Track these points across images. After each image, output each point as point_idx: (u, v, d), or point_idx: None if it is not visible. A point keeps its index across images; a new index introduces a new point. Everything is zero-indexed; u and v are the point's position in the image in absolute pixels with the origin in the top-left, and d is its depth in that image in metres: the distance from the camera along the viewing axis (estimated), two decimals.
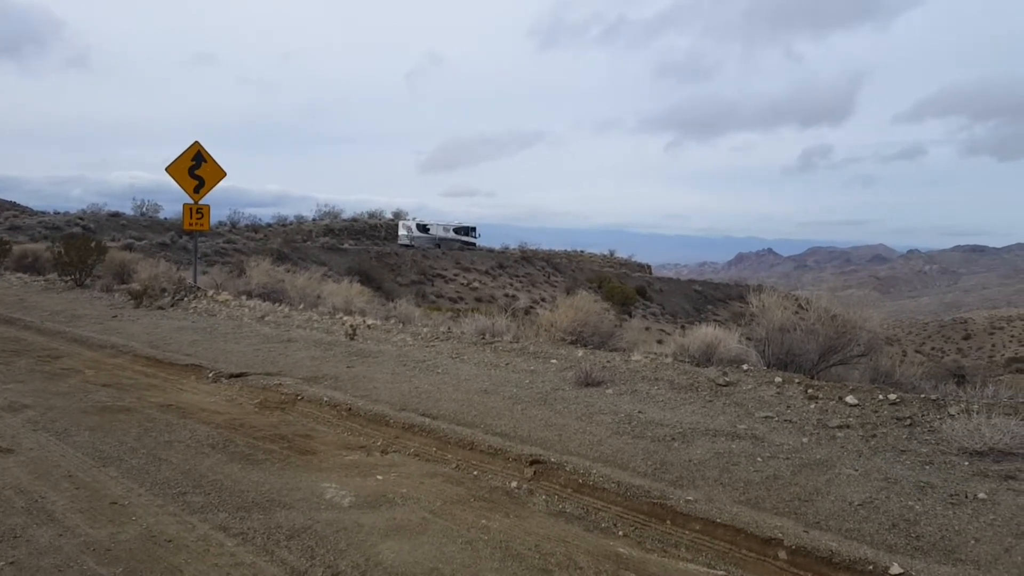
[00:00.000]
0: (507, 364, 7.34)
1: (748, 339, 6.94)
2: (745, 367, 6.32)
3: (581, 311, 8.13)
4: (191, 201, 11.82)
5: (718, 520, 3.70)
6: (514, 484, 4.50)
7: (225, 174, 11.97)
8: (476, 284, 55.28)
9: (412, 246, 56.36)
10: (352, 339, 8.60)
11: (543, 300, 54.84)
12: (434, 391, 6.44)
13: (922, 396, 5.30)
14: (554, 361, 7.34)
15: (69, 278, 13.72)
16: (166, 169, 11.57)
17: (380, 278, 43.76)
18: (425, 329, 8.99)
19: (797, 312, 6.79)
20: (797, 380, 5.83)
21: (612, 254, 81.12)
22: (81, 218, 39.27)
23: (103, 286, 13.05)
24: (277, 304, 10.97)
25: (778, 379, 5.88)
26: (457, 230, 61.29)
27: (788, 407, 5.46)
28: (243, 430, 5.58)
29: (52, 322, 10.24)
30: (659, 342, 11.33)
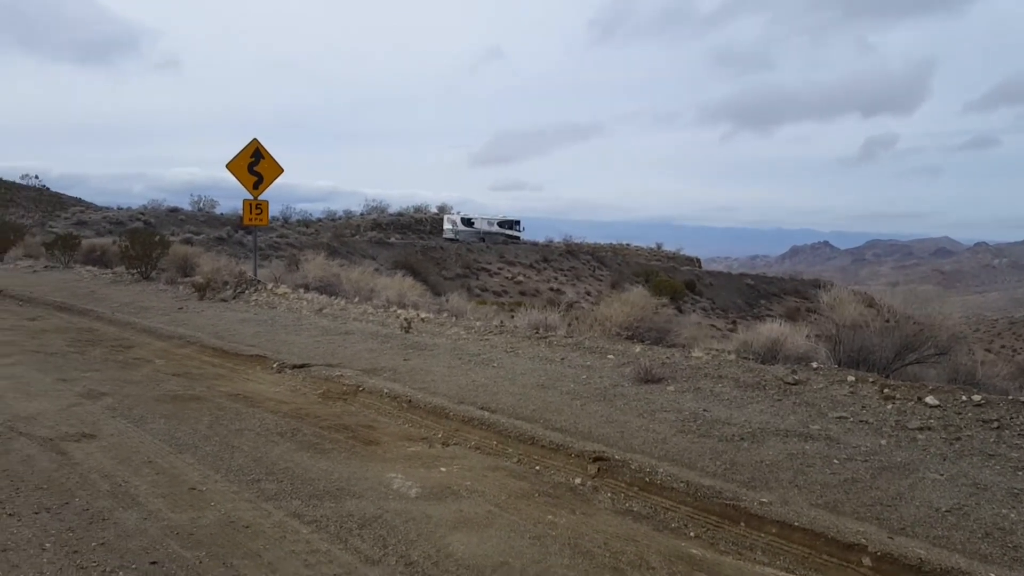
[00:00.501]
0: (562, 359, 7.33)
1: (816, 336, 6.76)
2: (814, 365, 6.17)
3: (637, 306, 8.05)
4: (250, 197, 12.10)
5: (795, 523, 3.62)
6: (578, 481, 4.48)
7: (282, 170, 12.21)
8: (520, 278, 55.32)
9: (457, 240, 56.68)
10: (407, 332, 8.69)
11: (588, 294, 54.56)
12: (491, 385, 6.47)
13: (1009, 398, 5.09)
14: (611, 357, 7.29)
15: (135, 271, 14.21)
16: (226, 166, 11.87)
17: (425, 272, 44.13)
18: (478, 323, 9.02)
19: (869, 308, 6.59)
20: (871, 379, 5.66)
21: (659, 247, 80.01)
22: (142, 213, 40.62)
23: (167, 279, 13.48)
24: (333, 297, 11.16)
25: (851, 378, 5.72)
26: (501, 224, 61.37)
27: (863, 407, 5.31)
28: (309, 420, 5.69)
29: (122, 313, 10.61)
30: (711, 337, 11.15)
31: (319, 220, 54.57)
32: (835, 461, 4.43)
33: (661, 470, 4.38)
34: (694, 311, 56.96)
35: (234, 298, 11.40)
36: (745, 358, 6.61)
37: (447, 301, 10.42)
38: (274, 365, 7.48)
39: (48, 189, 41.48)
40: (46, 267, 17.99)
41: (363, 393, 6.42)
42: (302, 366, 7.37)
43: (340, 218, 58.22)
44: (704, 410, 5.45)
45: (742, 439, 4.89)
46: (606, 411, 5.66)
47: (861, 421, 5.12)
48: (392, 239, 52.97)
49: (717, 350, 6.95)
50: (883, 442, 4.73)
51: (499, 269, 54.59)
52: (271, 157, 12.05)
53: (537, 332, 8.19)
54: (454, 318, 9.34)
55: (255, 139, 11.96)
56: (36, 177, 38.83)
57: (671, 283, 58.03)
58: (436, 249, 53.30)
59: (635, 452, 4.69)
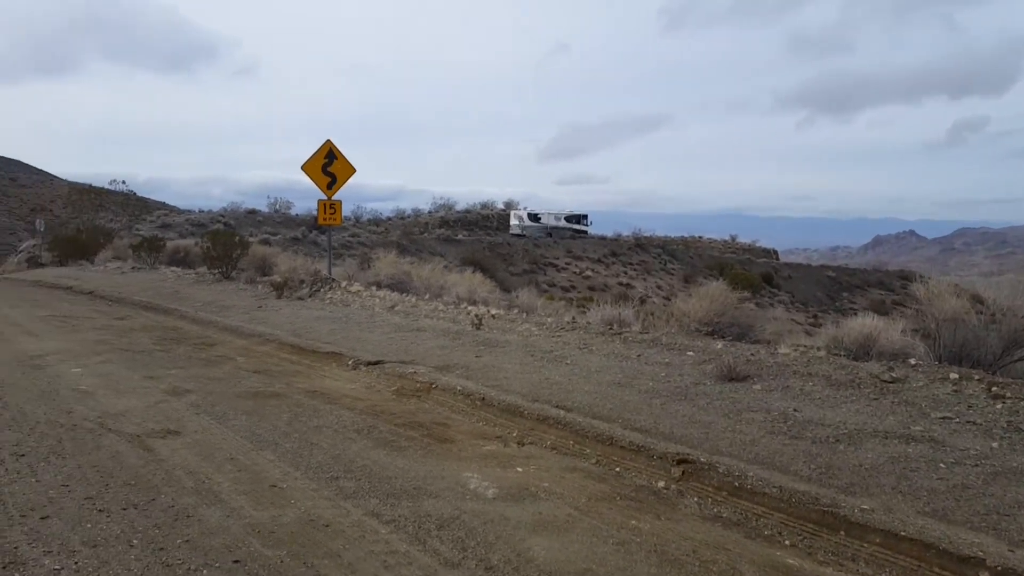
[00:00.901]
0: (639, 356, 7.11)
1: (912, 331, 6.33)
2: (912, 362, 5.76)
3: (717, 300, 7.75)
4: (324, 197, 12.33)
5: (902, 533, 3.34)
6: (661, 484, 4.29)
7: (355, 170, 12.39)
8: (588, 272, 54.90)
9: (523, 235, 56.65)
10: (478, 329, 8.64)
11: (659, 288, 53.71)
12: (565, 382, 6.33)
13: None
14: (691, 353, 7.03)
15: (217, 271, 14.72)
16: (302, 167, 12.13)
17: (493, 268, 44.29)
18: (549, 319, 8.90)
19: (968, 301, 6.12)
20: (977, 377, 5.24)
21: (734, 239, 77.86)
22: (222, 215, 42.24)
23: (247, 278, 13.90)
24: (404, 294, 11.25)
25: (954, 375, 5.31)
26: (568, 218, 61.00)
27: (969, 407, 4.92)
28: (384, 417, 5.69)
29: (204, 312, 10.99)
30: (796, 332, 10.67)
31: (389, 219, 55.56)
32: (942, 465, 4.10)
33: (751, 474, 4.15)
34: (772, 305, 55.26)
35: (310, 296, 11.63)
36: (836, 354, 6.24)
37: (517, 297, 10.34)
38: (349, 362, 7.55)
39: (135, 194, 43.71)
40: (133, 268, 18.88)
41: (436, 390, 6.39)
42: (376, 363, 7.41)
43: (409, 216, 59.14)
44: (794, 410, 5.16)
45: (838, 441, 4.59)
46: (688, 411, 5.43)
47: (968, 422, 4.73)
48: (459, 236, 53.40)
49: (805, 346, 6.60)
50: (994, 445, 4.36)
51: (566, 264, 54.30)
52: (344, 158, 12.24)
53: (611, 328, 7.99)
54: (525, 314, 9.24)
55: (328, 140, 12.18)
56: (123, 182, 41.01)
57: (747, 276, 56.44)
58: (503, 245, 53.45)
59: (722, 455, 4.47)
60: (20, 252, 32.73)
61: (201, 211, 45.12)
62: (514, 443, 5.14)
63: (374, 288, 11.69)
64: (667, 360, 6.91)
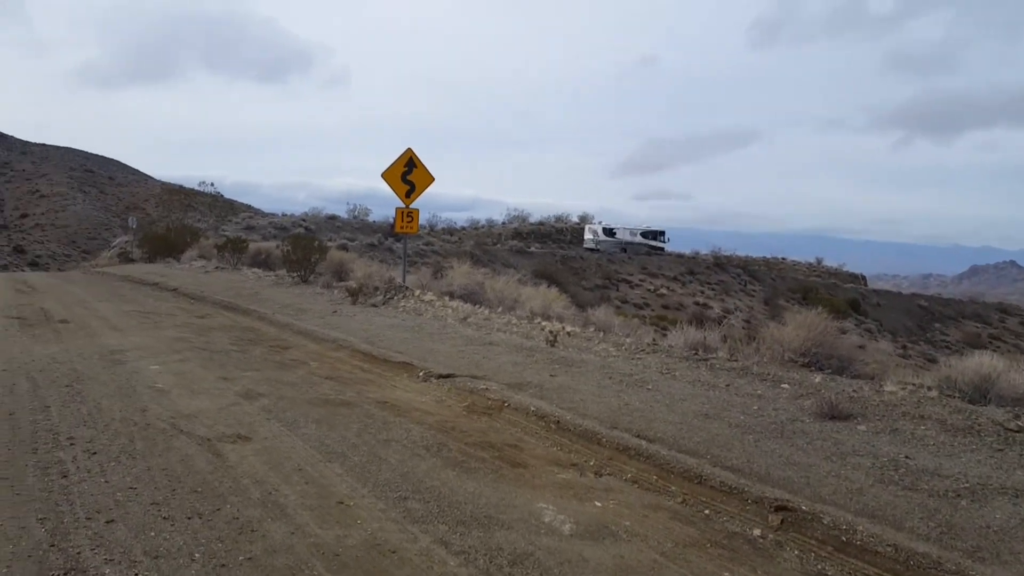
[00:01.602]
0: (727, 385, 6.66)
1: None
2: None
3: (814, 328, 7.21)
4: (403, 205, 12.32)
5: None
6: (757, 532, 3.88)
7: (433, 179, 12.35)
8: (663, 291, 53.87)
9: (598, 250, 56.04)
10: (553, 346, 8.35)
11: (737, 310, 52.15)
12: (646, 409, 5.96)
13: None
14: (786, 386, 6.53)
15: (295, 274, 14.97)
16: (381, 175, 12.17)
17: (565, 282, 43.94)
18: (628, 340, 8.51)
19: None
20: None
21: (819, 262, 74.97)
22: (304, 220, 43.47)
23: (324, 283, 14.07)
24: (477, 306, 11.07)
25: None
26: (644, 234, 60.03)
27: None
28: (454, 434, 5.47)
29: (281, 314, 11.11)
30: (897, 366, 9.89)
31: (463, 228, 56.03)
32: None
33: (860, 528, 3.70)
34: (859, 333, 52.94)
35: (384, 303, 11.61)
36: (949, 396, 5.65)
37: (593, 314, 10.00)
38: (420, 373, 7.39)
39: (222, 196, 45.51)
40: (216, 268, 19.49)
41: (508, 409, 6.13)
42: (447, 376, 7.22)
43: (483, 227, 59.50)
44: (906, 456, 4.64)
45: (958, 496, 4.07)
46: (785, 450, 4.98)
47: None
48: (532, 248, 53.29)
49: (914, 384, 6.01)
50: None
51: (640, 281, 53.40)
52: (423, 167, 12.21)
53: (696, 353, 7.55)
54: (601, 333, 8.89)
55: (409, 149, 12.18)
56: (212, 184, 42.76)
57: (832, 301, 54.18)
58: (576, 259, 53.02)
59: (825, 503, 4.02)
60: (113, 247, 34.55)
61: (284, 215, 46.60)
62: (591, 473, 4.82)
63: (447, 298, 11.57)
64: (759, 392, 6.43)
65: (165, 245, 23.60)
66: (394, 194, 12.15)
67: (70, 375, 6.73)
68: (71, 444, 4.75)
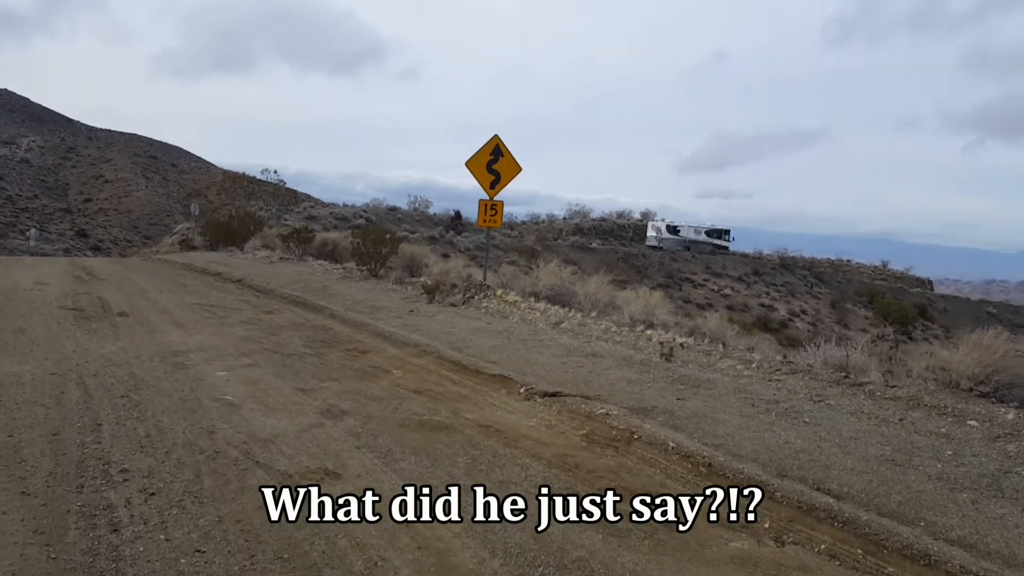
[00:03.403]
0: (900, 420, 5.46)
1: None
2: None
3: (991, 350, 5.94)
4: (486, 196, 11.36)
5: None
6: None
7: (520, 169, 11.35)
8: (728, 291, 52.00)
9: (660, 248, 54.42)
10: (669, 360, 7.25)
11: (803, 312, 50.02)
12: (813, 451, 4.82)
13: None
14: (973, 423, 5.31)
15: (365, 268, 14.20)
16: (466, 164, 11.21)
17: (626, 279, 42.61)
18: (756, 355, 7.35)
19: None
20: None
21: (885, 265, 71.82)
22: (364, 210, 43.15)
23: (396, 278, 13.24)
24: (567, 309, 10.03)
25: None
26: (709, 233, 58.08)
27: None
28: (580, 475, 4.45)
29: (355, 312, 10.28)
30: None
31: (523, 223, 55.08)
32: None
33: None
34: (926, 339, 50.32)
35: (463, 303, 10.68)
36: None
37: (704, 322, 8.85)
38: (521, 390, 6.39)
39: (284, 183, 45.39)
40: (281, 258, 18.92)
41: (639, 442, 5.07)
42: (554, 395, 6.20)
43: (543, 221, 58.42)
44: None
45: None
46: (1016, 516, 3.81)
47: None
48: (593, 244, 51.99)
49: None
50: None
51: (704, 280, 51.61)
52: (510, 155, 11.21)
53: (846, 376, 6.35)
54: (721, 346, 7.75)
55: (496, 136, 11.19)
56: (275, 172, 42.58)
57: (901, 306, 51.51)
58: (637, 256, 51.54)
59: None
60: (175, 234, 34.70)
61: (345, 205, 46.40)
62: (770, 540, 3.73)
63: (532, 299, 10.57)
64: (943, 430, 5.22)
65: (228, 233, 23.24)
66: (478, 185, 11.19)
67: (127, 382, 5.95)
68: (125, 480, 3.90)
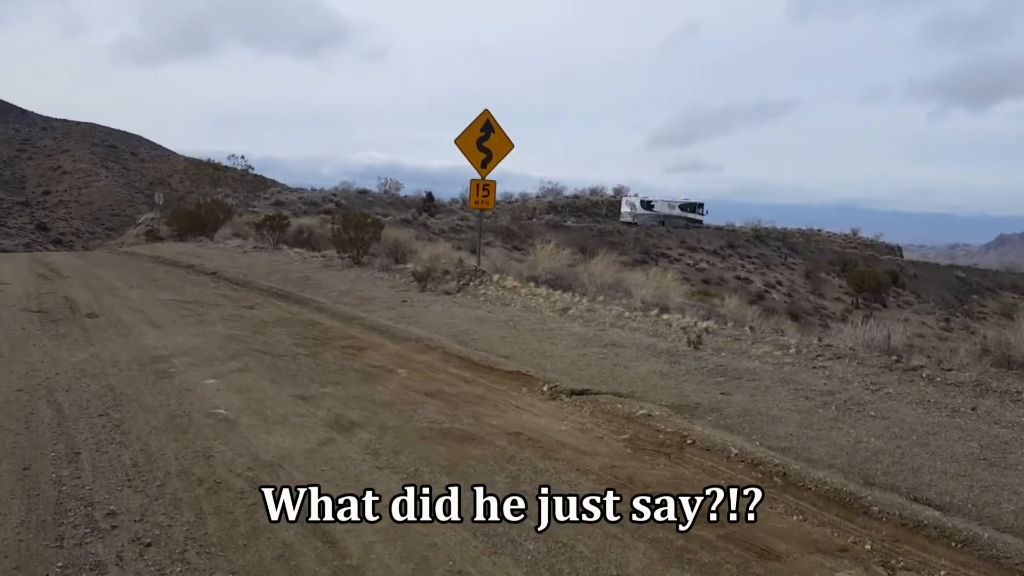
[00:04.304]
0: (973, 409, 4.98)
1: None
2: None
3: None
4: (478, 176, 10.64)
5: None
6: None
7: (513, 146, 10.64)
8: (703, 265, 52.00)
9: (635, 223, 54.14)
10: (697, 348, 6.71)
11: (779, 284, 50.22)
12: (893, 450, 4.31)
13: None
14: None
15: (346, 255, 13.42)
16: (455, 141, 10.47)
17: (629, 260, 42.23)
18: (790, 339, 6.84)
19: None
20: None
21: (855, 233, 72.67)
22: (334, 195, 41.88)
23: (381, 265, 12.50)
24: (571, 294, 9.43)
25: None
26: (683, 207, 57.90)
27: None
28: (636, 489, 3.88)
29: (343, 304, 9.56)
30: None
31: (497, 203, 54.30)
32: None
33: None
34: (899, 306, 51.13)
35: (458, 291, 10.02)
36: None
37: (723, 305, 8.32)
38: (544, 388, 5.79)
39: (252, 169, 43.82)
40: (255, 248, 18.01)
41: (693, 448, 4.51)
42: (581, 392, 5.62)
43: (516, 200, 57.66)
44: None
45: None
46: None
47: None
48: (568, 222, 51.41)
49: None
50: None
51: (680, 255, 51.47)
52: (502, 131, 10.49)
53: (897, 361, 5.86)
54: (748, 330, 7.23)
55: (486, 111, 10.45)
56: (242, 158, 41.03)
57: (875, 274, 51.99)
58: (613, 233, 51.10)
59: None
60: (139, 224, 33.26)
61: (313, 189, 45.10)
62: (878, 566, 3.21)
63: (532, 284, 9.95)
64: None
65: (196, 222, 22.14)
66: (469, 163, 10.46)
67: (104, 396, 5.23)
68: (113, 527, 3.23)
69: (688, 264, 50.91)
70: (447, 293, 9.99)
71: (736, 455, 4.30)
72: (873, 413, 4.92)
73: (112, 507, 3.42)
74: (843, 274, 54.48)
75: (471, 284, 10.08)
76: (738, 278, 49.40)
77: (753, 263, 54.38)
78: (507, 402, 5.55)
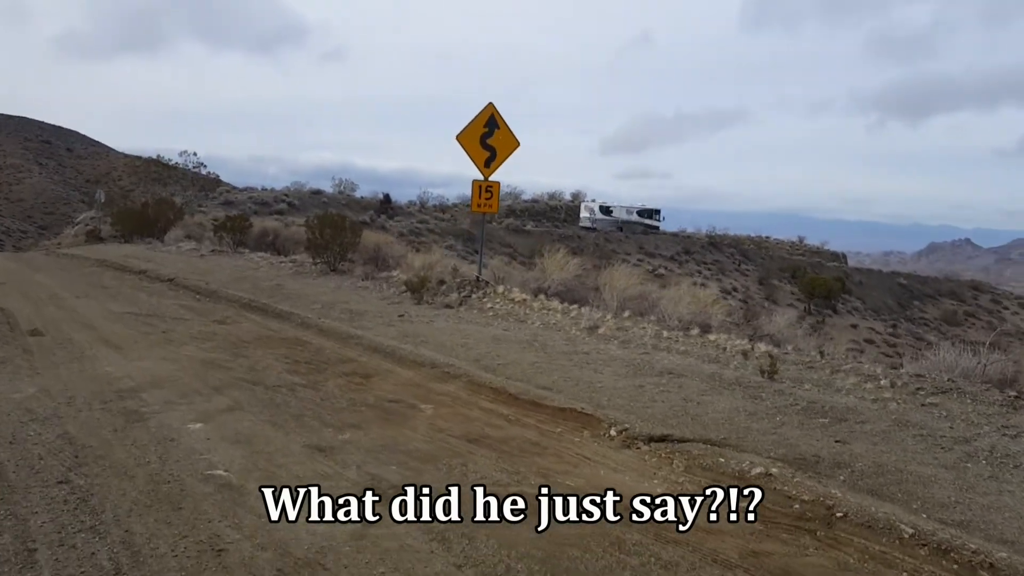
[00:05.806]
0: None
1: None
2: None
3: None
4: (480, 176, 9.52)
5: None
6: None
7: (519, 144, 9.58)
8: (661, 270, 51.90)
9: (594, 229, 53.80)
10: (771, 378, 5.78)
11: (735, 290, 50.47)
12: None
13: None
14: None
15: (321, 261, 12.11)
16: (457, 137, 9.34)
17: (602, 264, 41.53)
18: (874, 367, 5.98)
19: None
20: None
21: (802, 241, 74.21)
22: (286, 195, 40.04)
23: (363, 273, 11.26)
24: (589, 308, 8.43)
25: None
26: (641, 213, 57.90)
27: None
28: None
29: (331, 319, 8.32)
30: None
31: (455, 205, 52.91)
32: None
33: None
34: (850, 312, 52.19)
35: (460, 304, 8.90)
36: None
37: (767, 322, 7.46)
38: (611, 431, 4.77)
39: (205, 167, 41.50)
40: (213, 251, 16.47)
41: (845, 523, 3.55)
42: (662, 439, 4.61)
43: None
44: None
45: None
46: None
47: None
48: (528, 226, 50.60)
49: None
50: None
51: (639, 260, 51.20)
52: (507, 128, 9.40)
53: (1017, 397, 5.05)
54: (819, 356, 6.35)
55: (491, 104, 9.36)
56: (195, 155, 38.72)
57: (825, 281, 52.75)
58: (573, 238, 50.54)
59: None
60: (78, 223, 30.86)
61: (263, 189, 43.10)
62: None
63: (542, 297, 8.91)
64: None
65: (143, 223, 20.30)
66: (471, 161, 9.34)
67: (62, 452, 3.98)
68: None
69: (648, 270, 50.68)
70: (448, 306, 8.85)
71: (910, 536, 3.35)
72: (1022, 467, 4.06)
73: None
74: (793, 281, 55.23)
75: (474, 296, 8.98)
76: (695, 284, 49.41)
77: (709, 269, 54.64)
78: (570, 451, 4.51)
